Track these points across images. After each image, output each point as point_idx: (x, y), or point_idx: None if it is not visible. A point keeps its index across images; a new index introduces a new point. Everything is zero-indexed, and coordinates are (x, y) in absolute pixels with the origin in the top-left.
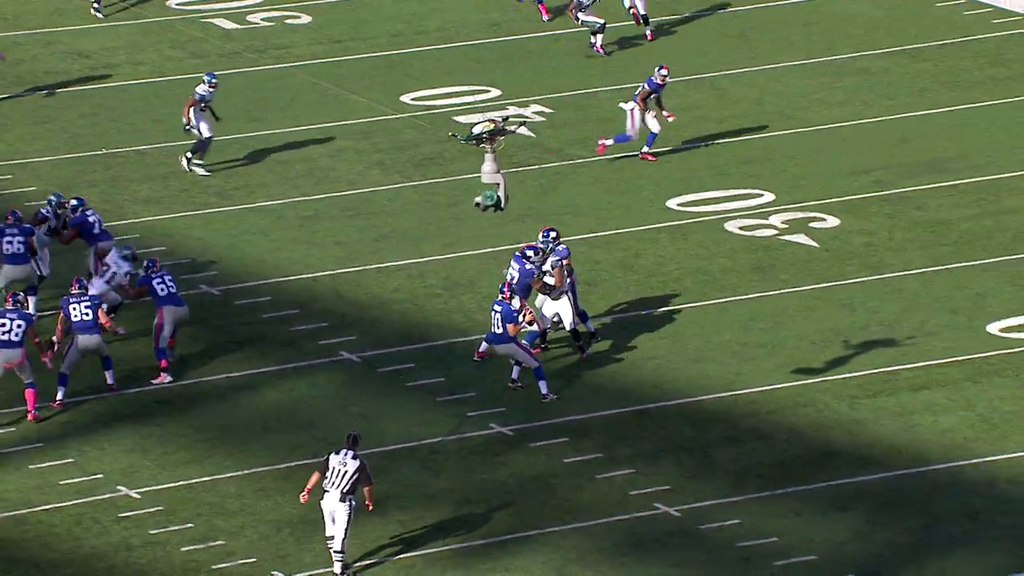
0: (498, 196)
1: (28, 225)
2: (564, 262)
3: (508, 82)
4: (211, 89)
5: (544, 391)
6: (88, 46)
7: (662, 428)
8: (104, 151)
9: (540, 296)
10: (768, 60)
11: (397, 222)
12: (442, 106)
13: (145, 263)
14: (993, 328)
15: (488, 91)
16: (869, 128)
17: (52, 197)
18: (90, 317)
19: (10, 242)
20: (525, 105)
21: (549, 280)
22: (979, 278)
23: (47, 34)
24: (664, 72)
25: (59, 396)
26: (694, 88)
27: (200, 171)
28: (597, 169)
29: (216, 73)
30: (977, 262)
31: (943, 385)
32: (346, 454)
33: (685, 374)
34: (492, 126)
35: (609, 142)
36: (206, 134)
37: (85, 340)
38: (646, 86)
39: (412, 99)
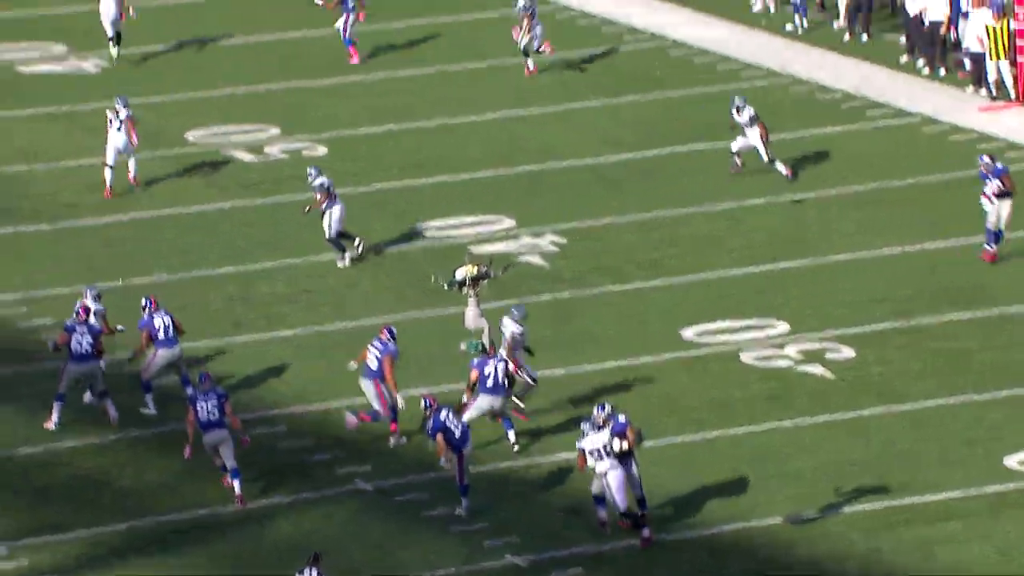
0: (482, 344)
1: (97, 325)
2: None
3: (523, 212)
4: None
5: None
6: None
7: (679, 559)
8: (121, 282)
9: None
10: (783, 190)
11: (412, 350)
12: (457, 236)
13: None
14: (1011, 461)
15: (502, 220)
16: (886, 258)
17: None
18: (216, 416)
19: (79, 341)
20: (540, 235)
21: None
22: (997, 410)
23: (63, 167)
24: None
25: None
26: (709, 217)
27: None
28: (611, 298)
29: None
30: (995, 394)
31: (961, 517)
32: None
33: (701, 505)
34: (475, 270)
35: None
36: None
37: (212, 437)
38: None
39: (425, 228)
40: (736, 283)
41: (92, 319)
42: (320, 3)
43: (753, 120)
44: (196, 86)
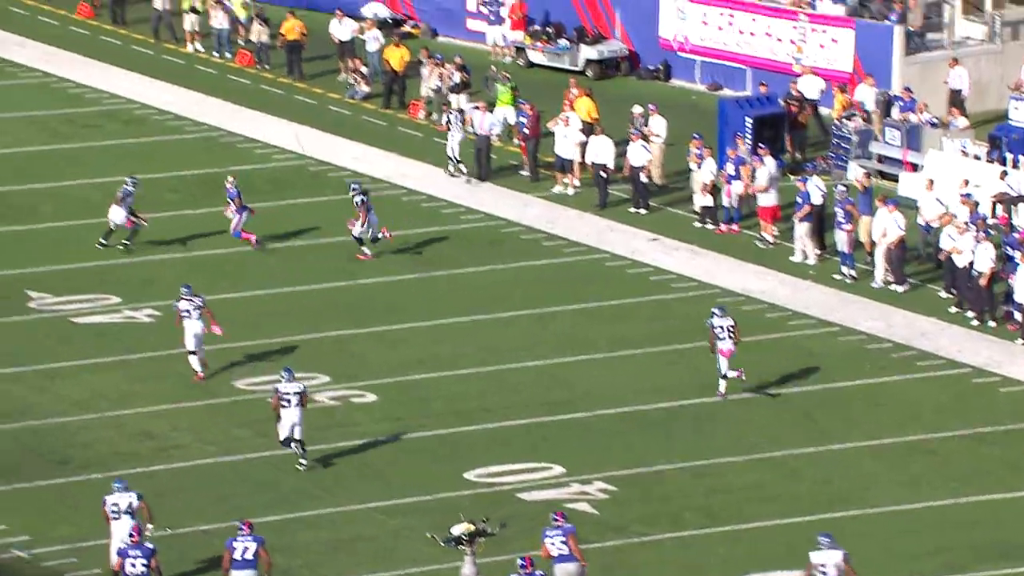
0: None
1: (151, 546)
2: None
3: (571, 459)
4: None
5: None
6: (155, 427)
7: None
8: (168, 531)
9: None
10: (834, 440)
11: None
12: (505, 483)
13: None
14: None
15: (551, 468)
16: (936, 510)
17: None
18: (252, 557)
19: (132, 564)
20: (588, 482)
21: None
22: None
23: (115, 417)
24: None
25: None
26: (758, 466)
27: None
28: (661, 548)
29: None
30: None
31: None
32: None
33: None
34: (472, 528)
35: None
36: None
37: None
38: None
39: (475, 476)
40: (785, 532)
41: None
42: (386, 235)
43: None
44: (245, 335)
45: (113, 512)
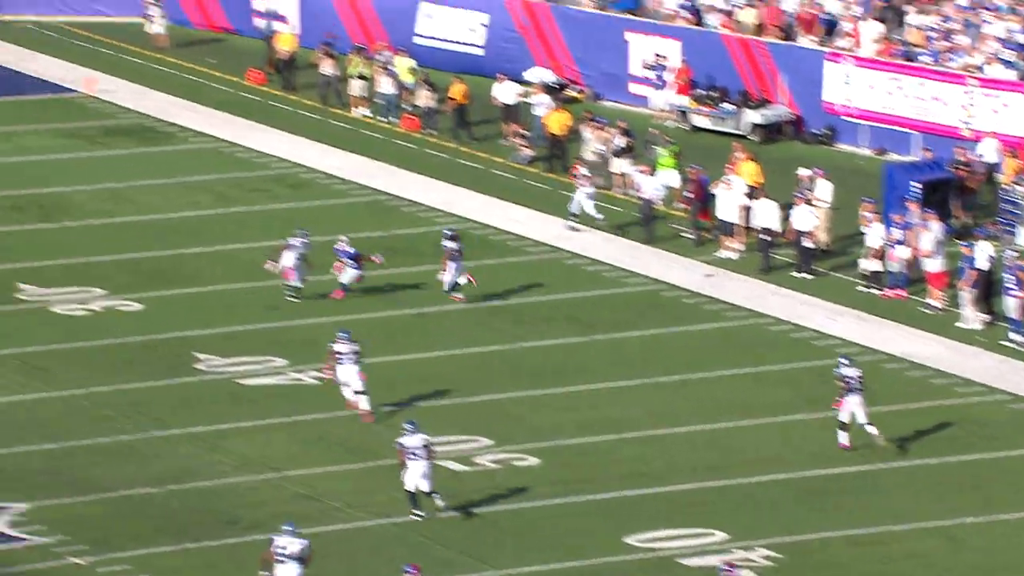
0: None
1: None
2: None
3: (733, 525)
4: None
5: None
6: (320, 488)
7: None
8: None
9: None
10: (1001, 509)
11: None
12: (667, 549)
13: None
14: None
15: (713, 534)
16: None
17: None
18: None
19: None
20: (751, 548)
21: None
22: None
23: (281, 477)
24: None
25: None
26: (921, 535)
27: None
28: None
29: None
30: None
31: None
32: None
33: None
34: None
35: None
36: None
37: None
38: None
39: (636, 541)
40: None
41: None
42: (471, 280)
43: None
44: (407, 397)
45: (279, 555)
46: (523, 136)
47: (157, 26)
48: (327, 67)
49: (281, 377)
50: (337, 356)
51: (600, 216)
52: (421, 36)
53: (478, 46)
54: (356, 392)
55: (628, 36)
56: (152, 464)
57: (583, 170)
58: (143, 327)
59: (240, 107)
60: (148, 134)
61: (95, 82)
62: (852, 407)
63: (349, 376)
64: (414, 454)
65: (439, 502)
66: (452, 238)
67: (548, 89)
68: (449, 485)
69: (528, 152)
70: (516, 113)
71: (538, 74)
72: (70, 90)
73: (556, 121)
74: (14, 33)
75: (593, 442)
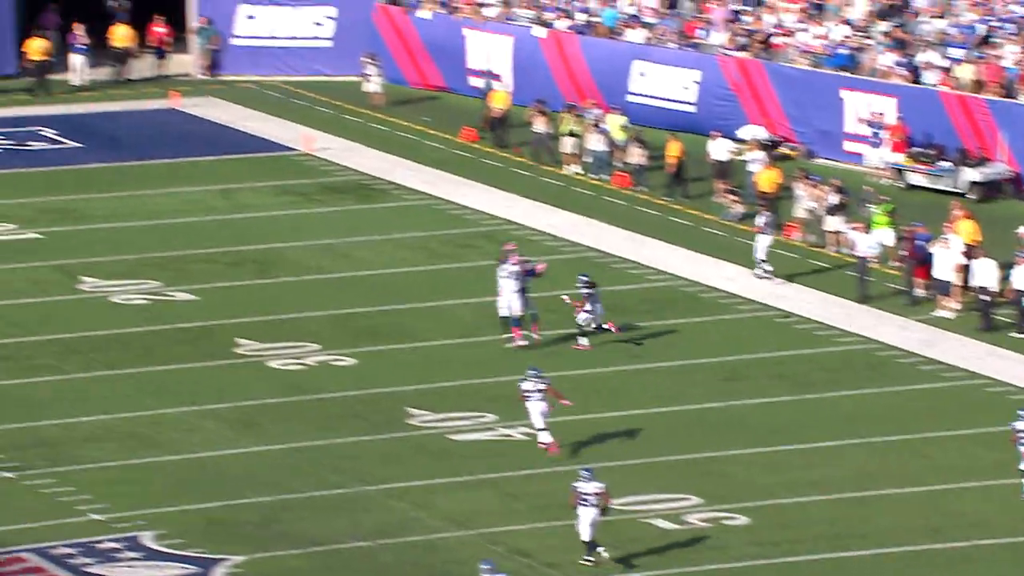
0: None
1: None
2: None
3: None
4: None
5: None
6: (528, 545)
7: None
8: None
9: None
10: None
11: None
12: None
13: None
14: None
15: None
16: None
17: None
18: None
19: None
20: None
21: None
22: None
23: (491, 534)
24: None
25: None
26: None
27: None
28: None
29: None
30: None
31: None
32: None
33: None
34: None
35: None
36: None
37: None
38: None
39: None
40: None
41: None
42: (612, 328)
43: None
44: (617, 454)
45: None
46: (735, 193)
47: (374, 85)
48: (539, 125)
49: (490, 433)
50: (525, 395)
51: (769, 266)
52: (634, 94)
53: (690, 104)
54: (538, 429)
55: (843, 94)
56: (362, 518)
57: (761, 220)
58: (356, 382)
59: (453, 164)
60: (363, 191)
61: (313, 140)
62: None
63: (534, 413)
64: (585, 500)
65: (604, 553)
66: (588, 285)
67: (762, 146)
68: (654, 542)
69: (740, 209)
70: (729, 170)
71: (752, 131)
72: (289, 148)
73: (766, 179)
74: (236, 93)
75: (804, 502)
